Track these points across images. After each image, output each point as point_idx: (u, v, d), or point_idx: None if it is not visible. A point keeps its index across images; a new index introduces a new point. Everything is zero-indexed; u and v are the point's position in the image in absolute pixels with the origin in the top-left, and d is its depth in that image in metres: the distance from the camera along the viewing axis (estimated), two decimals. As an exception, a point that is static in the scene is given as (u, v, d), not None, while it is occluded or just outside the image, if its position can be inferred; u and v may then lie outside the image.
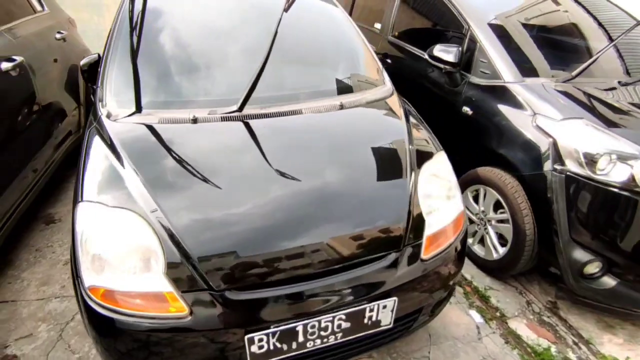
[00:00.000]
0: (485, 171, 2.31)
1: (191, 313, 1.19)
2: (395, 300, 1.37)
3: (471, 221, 2.52)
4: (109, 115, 1.61)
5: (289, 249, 1.29)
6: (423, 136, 1.82)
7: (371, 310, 1.35)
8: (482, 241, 2.46)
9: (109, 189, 1.35)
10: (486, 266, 2.45)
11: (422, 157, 1.67)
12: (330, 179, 1.48)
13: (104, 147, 1.48)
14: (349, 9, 4.23)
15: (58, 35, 3.21)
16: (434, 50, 2.55)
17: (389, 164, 1.61)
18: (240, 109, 1.62)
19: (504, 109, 2.24)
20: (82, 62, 2.00)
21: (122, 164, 1.40)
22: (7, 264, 2.37)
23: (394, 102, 1.94)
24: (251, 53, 1.80)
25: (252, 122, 1.63)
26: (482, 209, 2.40)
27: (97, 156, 1.47)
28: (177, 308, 1.19)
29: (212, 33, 1.96)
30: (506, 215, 2.21)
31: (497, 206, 2.29)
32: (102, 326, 1.23)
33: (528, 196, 2.09)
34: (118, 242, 1.25)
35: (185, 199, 1.35)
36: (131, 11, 1.28)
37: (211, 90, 1.77)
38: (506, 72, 2.29)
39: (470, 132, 2.44)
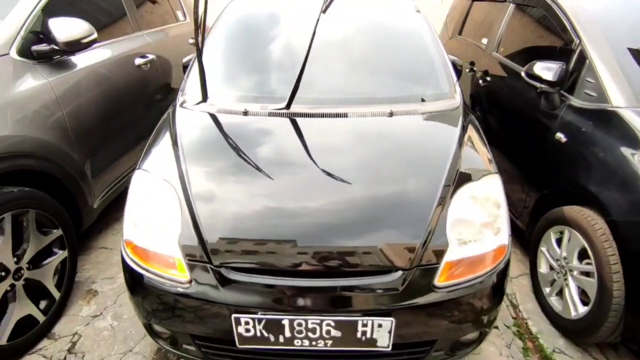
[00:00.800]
0: (572, 211, 1.93)
1: (191, 281, 1.31)
2: (392, 322, 1.26)
3: (551, 267, 2.13)
4: (183, 102, 1.88)
5: (292, 244, 1.31)
6: (476, 156, 1.63)
7: (364, 325, 1.27)
8: (561, 293, 2.06)
9: (160, 162, 1.58)
10: (561, 324, 2.03)
11: (467, 177, 1.50)
12: (356, 184, 1.45)
13: (169, 127, 1.74)
14: (461, 24, 4.02)
15: (191, 41, 3.84)
16: (534, 67, 2.25)
17: (422, 178, 1.49)
18: (288, 106, 1.71)
19: (604, 137, 1.84)
20: (184, 60, 2.38)
21: (175, 143, 1.62)
22: (117, 219, 2.91)
23: (455, 116, 1.79)
24: (314, 56, 1.88)
25: (298, 120, 1.70)
26: (564, 254, 2.01)
27: (162, 134, 1.73)
28: (181, 274, 1.32)
29: (277, 37, 2.11)
30: (591, 267, 1.81)
31: (583, 255, 1.89)
32: (130, 276, 1.44)
33: (620, 248, 1.68)
34: (151, 206, 1.45)
35: (214, 180, 1.49)
36: (195, 13, 1.49)
37: (269, 88, 1.91)
38: (617, 94, 1.88)
39: (561, 162, 2.07)
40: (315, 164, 1.49)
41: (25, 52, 1.95)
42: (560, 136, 2.08)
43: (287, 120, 1.71)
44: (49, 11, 2.12)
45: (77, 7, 2.47)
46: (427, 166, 1.53)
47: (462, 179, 1.48)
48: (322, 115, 1.71)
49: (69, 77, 2.15)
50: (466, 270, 1.34)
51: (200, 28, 1.59)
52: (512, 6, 3.04)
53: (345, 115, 1.71)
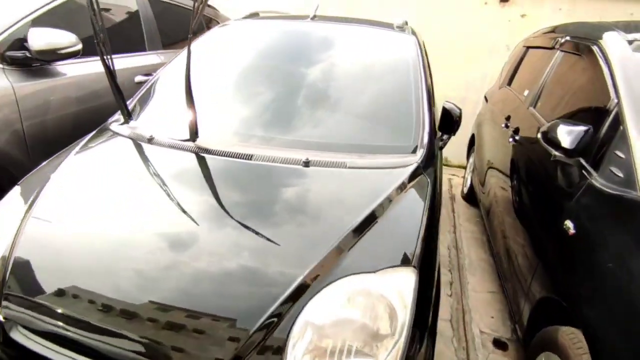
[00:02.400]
0: (567, 336, 1.32)
1: None
2: None
3: (538, 409, 1.49)
4: (114, 121, 1.75)
5: (89, 310, 1.01)
6: (396, 237, 1.17)
7: None
8: None
9: (31, 182, 1.41)
10: None
11: (360, 264, 1.06)
12: (206, 247, 1.11)
13: (74, 146, 1.59)
14: (512, 73, 3.47)
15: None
16: (557, 128, 1.70)
17: (294, 255, 1.09)
18: (192, 139, 1.46)
19: (620, 239, 1.24)
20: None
21: (58, 164, 1.45)
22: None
23: (395, 178, 1.35)
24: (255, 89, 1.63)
25: (192, 156, 1.44)
26: (552, 397, 1.38)
27: (62, 152, 1.58)
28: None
29: (230, 70, 1.91)
30: None
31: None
32: None
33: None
34: None
35: (59, 213, 1.27)
36: (92, 14, 1.35)
37: (195, 120, 1.67)
38: (650, 179, 1.28)
39: (564, 261, 1.47)
40: (183, 214, 1.20)
41: (-2, 56, 2.02)
42: (569, 226, 1.49)
43: (190, 156, 1.45)
44: (42, 22, 2.21)
45: (83, 21, 2.56)
46: (312, 239, 1.13)
47: (350, 264, 1.06)
48: (227, 155, 1.41)
49: (40, 84, 2.18)
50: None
51: (100, 34, 1.43)
52: (558, 54, 2.47)
53: (249, 157, 1.39)
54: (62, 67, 2.31)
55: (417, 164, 1.44)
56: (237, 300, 1.00)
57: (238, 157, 1.41)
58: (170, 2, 3.55)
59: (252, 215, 1.22)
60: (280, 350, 0.91)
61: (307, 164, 1.38)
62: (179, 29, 3.45)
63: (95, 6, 1.36)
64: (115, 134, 1.63)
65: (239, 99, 1.71)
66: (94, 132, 1.68)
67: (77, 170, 1.45)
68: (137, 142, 1.54)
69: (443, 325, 2.27)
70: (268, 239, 1.12)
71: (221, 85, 1.84)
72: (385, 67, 1.86)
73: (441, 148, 1.92)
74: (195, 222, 1.17)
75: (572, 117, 1.85)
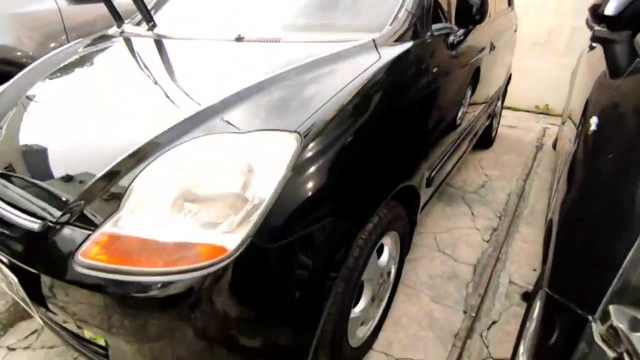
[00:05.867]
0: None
1: None
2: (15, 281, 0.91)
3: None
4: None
5: None
6: (291, 103, 0.98)
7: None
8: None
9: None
10: None
11: (232, 127, 0.92)
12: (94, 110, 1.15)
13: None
14: None
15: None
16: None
17: (165, 114, 1.02)
18: (151, 28, 1.47)
19: None
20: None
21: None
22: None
23: (331, 50, 1.12)
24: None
25: (162, 42, 1.43)
26: None
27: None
28: None
29: None
30: None
31: None
32: None
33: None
34: None
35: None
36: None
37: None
38: None
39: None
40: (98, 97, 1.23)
41: None
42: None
43: (149, 42, 1.46)
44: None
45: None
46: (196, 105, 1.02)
47: (221, 126, 0.93)
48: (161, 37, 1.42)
49: (86, 7, 2.42)
50: (133, 255, 0.82)
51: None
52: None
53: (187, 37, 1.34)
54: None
55: (371, 40, 1.16)
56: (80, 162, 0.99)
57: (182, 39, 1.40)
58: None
59: (150, 88, 1.19)
60: (108, 209, 0.85)
61: (239, 39, 1.27)
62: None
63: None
64: (108, 36, 1.70)
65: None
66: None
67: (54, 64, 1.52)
68: (115, 38, 1.60)
69: (463, 269, 1.94)
70: (146, 105, 1.09)
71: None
72: None
73: (454, 43, 1.56)
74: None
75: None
